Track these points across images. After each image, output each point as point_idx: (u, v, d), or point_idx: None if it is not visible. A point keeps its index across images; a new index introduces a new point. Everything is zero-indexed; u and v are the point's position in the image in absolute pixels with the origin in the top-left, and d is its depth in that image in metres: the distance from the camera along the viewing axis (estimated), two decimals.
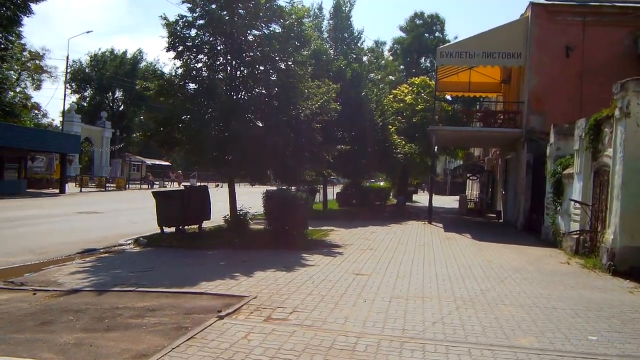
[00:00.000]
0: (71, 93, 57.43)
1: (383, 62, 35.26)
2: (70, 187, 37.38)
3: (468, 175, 33.32)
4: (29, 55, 41.88)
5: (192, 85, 13.54)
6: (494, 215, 25.40)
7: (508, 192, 22.59)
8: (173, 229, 14.08)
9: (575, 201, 12.90)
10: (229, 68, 13.74)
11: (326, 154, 14.79)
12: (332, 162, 15.76)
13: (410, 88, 28.90)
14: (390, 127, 25.42)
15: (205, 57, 13.57)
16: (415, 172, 33.90)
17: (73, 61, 57.09)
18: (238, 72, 13.75)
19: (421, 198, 44.83)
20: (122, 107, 62.73)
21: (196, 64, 13.59)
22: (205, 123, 13.01)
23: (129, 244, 12.73)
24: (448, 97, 33.57)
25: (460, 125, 22.60)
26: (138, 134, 49.31)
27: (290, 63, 13.84)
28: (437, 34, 38.36)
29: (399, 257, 11.20)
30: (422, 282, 8.63)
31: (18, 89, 43.40)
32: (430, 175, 21.28)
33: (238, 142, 12.87)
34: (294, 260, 10.34)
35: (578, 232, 12.61)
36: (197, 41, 13.21)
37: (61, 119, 46.72)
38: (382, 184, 40.57)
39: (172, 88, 13.13)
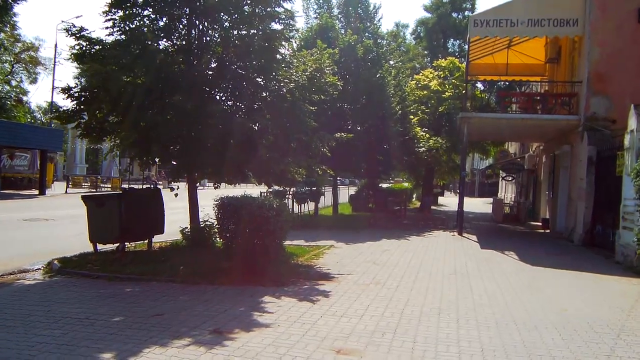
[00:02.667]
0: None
1: (404, 47, 31.07)
2: (61, 187, 34.35)
3: (503, 175, 28.92)
4: (22, 47, 39.21)
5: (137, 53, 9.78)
6: (538, 223, 20.99)
7: (558, 196, 18.23)
8: (114, 246, 10.47)
9: None
10: (192, 31, 9.97)
11: (321, 145, 10.84)
12: (330, 157, 11.81)
13: (436, 72, 24.66)
14: (411, 117, 21.33)
15: (152, 11, 9.81)
16: (441, 171, 29.59)
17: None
18: (204, 38, 9.97)
19: (448, 201, 40.35)
20: None
21: (141, 21, 9.85)
22: (149, 102, 9.27)
23: (37, 269, 9.07)
24: (479, 85, 29.17)
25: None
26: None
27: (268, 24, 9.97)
28: (466, 12, 33.52)
29: (418, 303, 7.17)
30: None
31: (14, 83, 40.57)
32: (461, 174, 17.09)
33: (195, 127, 9.10)
34: (245, 310, 6.42)
35: None
36: None
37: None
38: (405, 184, 36.38)
39: (100, 53, 9.39)
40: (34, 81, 47.29)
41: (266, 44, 9.42)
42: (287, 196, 18.07)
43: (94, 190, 33.88)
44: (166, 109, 8.91)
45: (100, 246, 10.51)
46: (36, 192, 29.25)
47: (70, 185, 36.70)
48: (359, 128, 19.32)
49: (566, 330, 5.99)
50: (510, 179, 29.73)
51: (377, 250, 12.23)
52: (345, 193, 28.83)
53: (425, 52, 31.57)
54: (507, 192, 35.40)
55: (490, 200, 47.34)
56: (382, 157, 21.18)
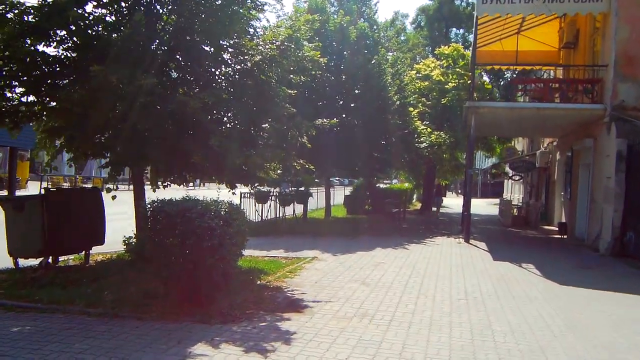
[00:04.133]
0: None
1: (404, 36, 28.91)
2: (37, 188, 32.14)
3: (510, 174, 26.77)
4: None
5: None
6: (552, 228, 18.86)
7: (577, 198, 16.08)
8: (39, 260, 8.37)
9: None
10: None
11: (298, 134, 8.71)
12: (312, 150, 9.69)
13: (438, 62, 22.50)
14: (411, 109, 19.19)
15: None
16: (443, 171, 27.45)
17: None
18: None
19: (450, 202, 38.15)
20: None
21: None
22: (69, 75, 7.16)
23: None
24: (486, 78, 27.00)
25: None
26: None
27: None
28: None
29: (419, 350, 5.04)
30: None
31: None
32: (467, 172, 14.90)
33: (126, 106, 6.99)
34: None
35: None
36: None
37: None
38: (406, 184, 34.21)
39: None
40: None
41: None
42: (270, 198, 15.96)
43: None
44: (87, 83, 6.77)
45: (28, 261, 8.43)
46: (4, 193, 27.08)
47: (48, 185, 34.59)
48: (352, 120, 17.19)
49: None
50: (517, 179, 27.57)
51: (368, 264, 10.08)
52: (343, 194, 26.62)
53: (426, 41, 29.37)
54: (514, 192, 33.23)
55: (494, 201, 45.22)
56: (378, 153, 19.05)
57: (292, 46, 8.39)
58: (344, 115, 17.19)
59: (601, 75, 14.06)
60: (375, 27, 20.08)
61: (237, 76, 8.18)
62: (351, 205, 23.97)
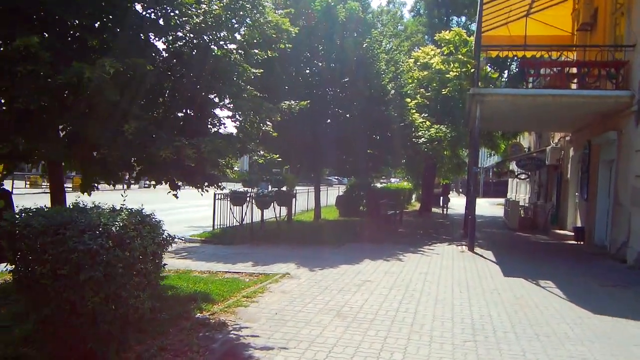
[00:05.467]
0: None
1: (401, 25, 26.88)
2: (17, 188, 30.22)
3: (517, 172, 24.80)
4: None
5: None
6: (564, 232, 16.90)
7: (596, 199, 14.12)
8: None
9: None
10: None
11: (258, 119, 6.79)
12: (281, 141, 7.76)
13: (438, 50, 20.50)
14: (408, 100, 17.22)
15: None
16: (444, 169, 25.53)
17: None
18: None
19: (451, 202, 36.08)
20: None
21: None
22: None
23: None
24: (489, 68, 24.99)
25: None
26: None
27: None
28: None
29: None
30: None
31: None
32: (472, 169, 12.92)
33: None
34: None
35: None
36: None
37: None
38: (405, 184, 32.25)
39: None
40: None
41: None
42: (247, 200, 14.01)
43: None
44: None
45: None
46: None
47: (27, 185, 32.76)
48: (343, 112, 15.28)
49: None
50: (524, 177, 25.59)
51: (351, 283, 8.15)
52: (339, 194, 24.63)
53: (425, 28, 27.27)
54: (519, 192, 31.23)
55: (497, 201, 43.25)
56: (373, 150, 17.13)
57: (248, 5, 6.45)
58: (331, 106, 15.30)
59: (627, 58, 12.11)
60: (369, 9, 18.12)
61: (177, 45, 6.25)
62: (344, 206, 22.05)
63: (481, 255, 11.88)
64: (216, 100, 6.92)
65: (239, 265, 9.51)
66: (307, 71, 14.38)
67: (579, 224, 16.15)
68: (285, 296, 7.09)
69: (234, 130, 6.91)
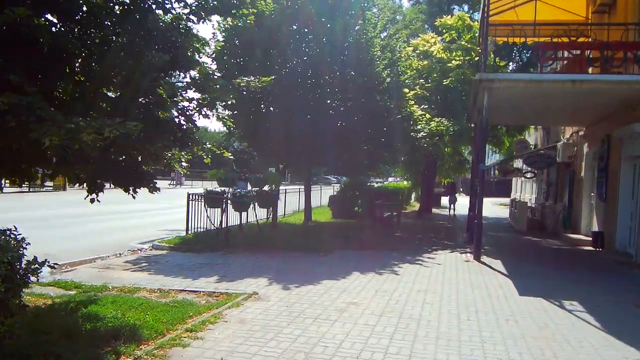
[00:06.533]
0: None
1: (400, 15, 25.20)
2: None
3: (524, 170, 23.23)
4: None
5: None
6: (578, 236, 15.28)
7: (617, 201, 12.52)
8: None
9: None
10: None
11: (207, 99, 5.19)
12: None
13: (439, 37, 18.84)
14: (406, 91, 15.60)
15: None
16: (447, 167, 23.95)
17: None
18: None
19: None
20: None
21: None
22: None
23: None
24: (493, 56, 23.27)
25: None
26: None
27: None
28: None
29: None
30: None
31: None
32: (479, 167, 11.29)
33: None
34: None
35: None
36: None
37: None
38: (405, 183, 30.65)
39: None
40: None
41: None
42: (224, 201, 12.40)
43: (28, 191, 28.26)
44: None
45: None
46: None
47: (7, 184, 31.12)
48: (332, 103, 13.70)
49: None
50: (531, 176, 23.96)
51: (332, 306, 6.55)
52: (332, 194, 23.00)
53: (424, 16, 25.49)
54: (524, 192, 29.60)
55: (499, 200, 41.69)
56: (367, 145, 15.49)
57: None
58: (322, 95, 13.69)
59: None
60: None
61: None
62: (338, 207, 20.44)
63: (489, 266, 10.28)
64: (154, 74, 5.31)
65: (201, 280, 7.92)
66: (296, 60, 12.77)
67: (595, 228, 14.56)
68: (243, 328, 5.50)
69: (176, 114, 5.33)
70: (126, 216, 18.27)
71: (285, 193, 20.12)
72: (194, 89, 5.13)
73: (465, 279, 8.74)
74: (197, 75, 5.67)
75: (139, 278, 8.06)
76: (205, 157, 5.77)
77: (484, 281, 8.65)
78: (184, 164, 5.86)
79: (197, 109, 5.29)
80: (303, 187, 23.89)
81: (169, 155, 5.74)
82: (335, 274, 8.68)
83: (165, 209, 20.81)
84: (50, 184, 29.15)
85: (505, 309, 6.85)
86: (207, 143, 5.95)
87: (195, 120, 5.41)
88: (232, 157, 12.30)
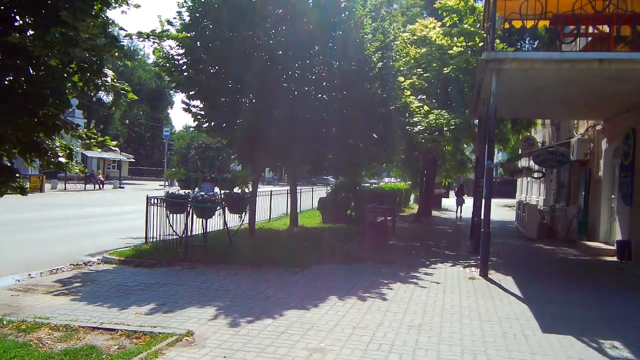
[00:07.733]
0: None
1: (396, 4, 23.28)
2: None
3: (534, 169, 21.40)
4: None
5: None
6: (597, 245, 13.43)
7: None
8: None
9: None
10: None
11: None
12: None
13: (439, 22, 16.98)
14: (401, 79, 13.75)
15: None
16: (448, 166, 22.15)
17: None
18: None
19: (452, 204, 32.65)
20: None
21: None
22: None
23: None
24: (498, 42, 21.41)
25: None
26: None
27: None
28: None
29: None
30: None
31: None
32: (487, 164, 9.43)
33: None
34: None
35: None
36: None
37: None
38: (403, 183, 28.84)
39: None
40: None
41: None
42: (188, 205, 10.56)
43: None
44: None
45: None
46: None
47: None
48: (315, 92, 11.87)
49: None
50: (539, 176, 22.07)
51: (289, 356, 4.73)
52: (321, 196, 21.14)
53: (423, 2, 23.49)
54: (531, 193, 27.71)
55: (502, 202, 39.86)
56: (358, 141, 13.65)
57: None
58: (301, 82, 11.87)
59: None
60: None
61: None
62: (328, 210, 18.57)
63: (499, 285, 8.45)
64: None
65: (129, 311, 6.11)
66: (271, 41, 10.91)
67: (616, 235, 12.72)
68: None
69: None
70: (94, 221, 16.55)
71: (271, 195, 18.32)
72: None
73: (471, 307, 6.89)
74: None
75: (55, 306, 6.27)
76: (84, 141, 3.94)
77: (494, 310, 6.81)
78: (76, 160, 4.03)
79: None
80: (303, 187, 22.30)
81: (47, 143, 3.93)
82: (307, 299, 6.87)
83: (140, 212, 19.01)
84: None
85: (526, 355, 5.02)
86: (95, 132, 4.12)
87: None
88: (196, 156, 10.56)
